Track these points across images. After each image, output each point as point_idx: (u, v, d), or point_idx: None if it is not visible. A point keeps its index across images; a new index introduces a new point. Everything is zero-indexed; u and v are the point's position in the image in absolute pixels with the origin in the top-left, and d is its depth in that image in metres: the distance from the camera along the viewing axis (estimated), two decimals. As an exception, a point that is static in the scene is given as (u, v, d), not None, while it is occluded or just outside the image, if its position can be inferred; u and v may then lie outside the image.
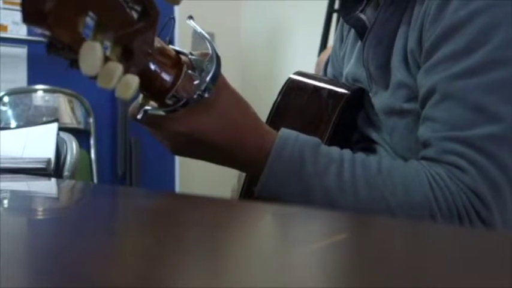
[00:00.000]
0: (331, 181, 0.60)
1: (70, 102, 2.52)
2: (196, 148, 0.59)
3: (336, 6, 2.41)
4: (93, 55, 0.42)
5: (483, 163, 0.58)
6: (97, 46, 0.42)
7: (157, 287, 0.23)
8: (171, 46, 0.56)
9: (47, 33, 0.42)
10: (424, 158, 0.62)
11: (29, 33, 2.45)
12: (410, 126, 0.68)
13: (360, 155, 0.63)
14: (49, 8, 0.40)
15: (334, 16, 2.44)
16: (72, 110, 2.53)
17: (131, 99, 0.58)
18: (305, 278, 0.25)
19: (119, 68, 0.44)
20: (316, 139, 0.63)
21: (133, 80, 0.46)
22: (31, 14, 0.41)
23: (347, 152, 0.63)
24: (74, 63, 0.44)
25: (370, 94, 0.76)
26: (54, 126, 1.00)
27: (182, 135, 0.57)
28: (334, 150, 0.62)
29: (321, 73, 1.04)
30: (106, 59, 0.44)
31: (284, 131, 0.62)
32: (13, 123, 2.35)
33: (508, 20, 0.59)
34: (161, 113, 0.56)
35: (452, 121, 0.60)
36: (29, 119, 2.35)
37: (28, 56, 2.50)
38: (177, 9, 2.46)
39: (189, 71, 0.55)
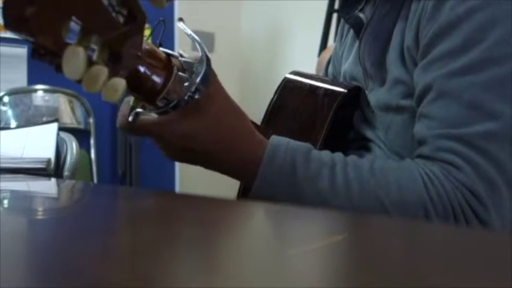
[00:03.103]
0: (324, 185, 0.60)
1: (70, 102, 2.52)
2: (189, 153, 0.59)
3: (336, 6, 2.41)
4: (76, 60, 0.42)
5: (479, 161, 0.58)
6: (80, 50, 0.42)
7: (156, 287, 0.23)
8: (161, 49, 0.56)
9: (29, 38, 0.41)
10: (419, 156, 0.62)
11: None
12: (406, 123, 0.67)
13: (352, 157, 0.63)
14: (30, 14, 0.39)
15: (334, 16, 2.44)
16: (72, 110, 2.53)
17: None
18: (304, 277, 0.25)
19: (103, 71, 0.44)
20: (307, 144, 0.63)
21: (120, 84, 0.45)
22: (12, 19, 0.41)
23: (338, 155, 0.62)
24: (59, 67, 0.43)
25: (366, 91, 0.76)
26: (54, 126, 1.00)
27: (175, 140, 0.57)
28: (325, 154, 0.62)
29: (321, 72, 1.03)
30: (92, 63, 0.44)
31: (275, 138, 0.62)
32: (13, 123, 2.35)
33: (505, 17, 0.59)
34: (152, 115, 0.56)
35: (448, 119, 0.60)
36: (29, 119, 2.35)
37: (28, 56, 2.50)
38: (177, 10, 2.46)
39: (180, 73, 0.55)
